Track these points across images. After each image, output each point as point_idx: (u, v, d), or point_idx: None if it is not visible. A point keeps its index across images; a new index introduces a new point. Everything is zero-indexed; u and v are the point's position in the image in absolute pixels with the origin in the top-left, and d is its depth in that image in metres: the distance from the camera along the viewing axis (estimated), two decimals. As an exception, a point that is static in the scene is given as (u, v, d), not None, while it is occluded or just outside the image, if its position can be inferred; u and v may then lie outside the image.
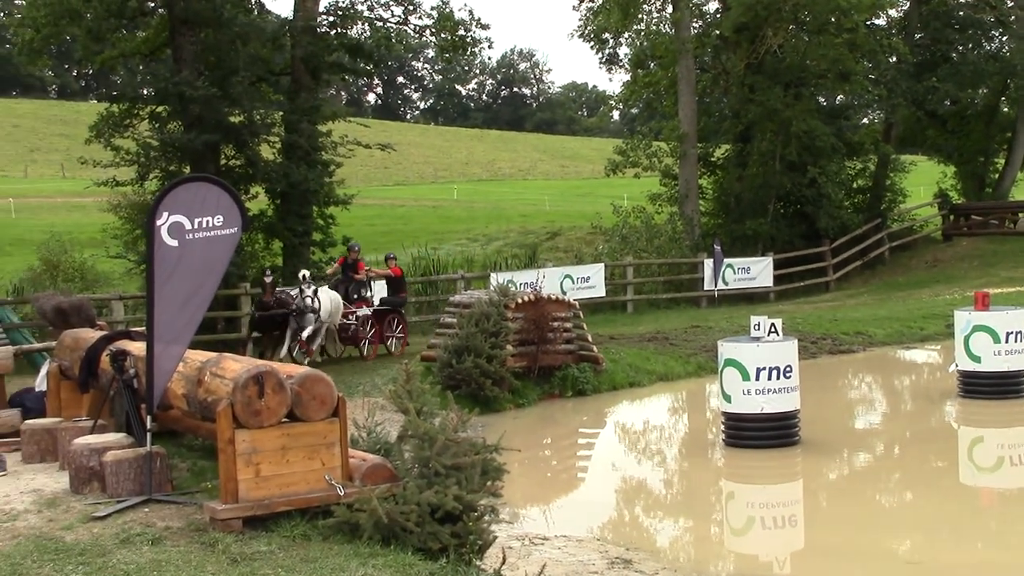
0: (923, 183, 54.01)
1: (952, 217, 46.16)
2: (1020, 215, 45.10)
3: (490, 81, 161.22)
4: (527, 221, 50.32)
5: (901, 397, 21.74)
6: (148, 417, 10.40)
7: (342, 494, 9.33)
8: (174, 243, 10.00)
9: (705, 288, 35.77)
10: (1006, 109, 48.80)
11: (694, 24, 42.37)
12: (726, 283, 36.08)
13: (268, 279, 21.67)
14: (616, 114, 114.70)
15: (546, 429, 18.77)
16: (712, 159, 43.61)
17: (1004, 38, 46.48)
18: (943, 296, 33.32)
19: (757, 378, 15.57)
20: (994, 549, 11.16)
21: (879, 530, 11.88)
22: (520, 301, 20.66)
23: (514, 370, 20.07)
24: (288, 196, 28.42)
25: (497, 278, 27.61)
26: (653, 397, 21.59)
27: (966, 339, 18.90)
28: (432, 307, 29.84)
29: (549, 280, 28.97)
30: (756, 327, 16.04)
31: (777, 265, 38.21)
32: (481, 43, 40.15)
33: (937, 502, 13.01)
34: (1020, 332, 19.01)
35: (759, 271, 37.22)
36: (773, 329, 15.89)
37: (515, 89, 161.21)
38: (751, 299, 37.12)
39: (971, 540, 11.48)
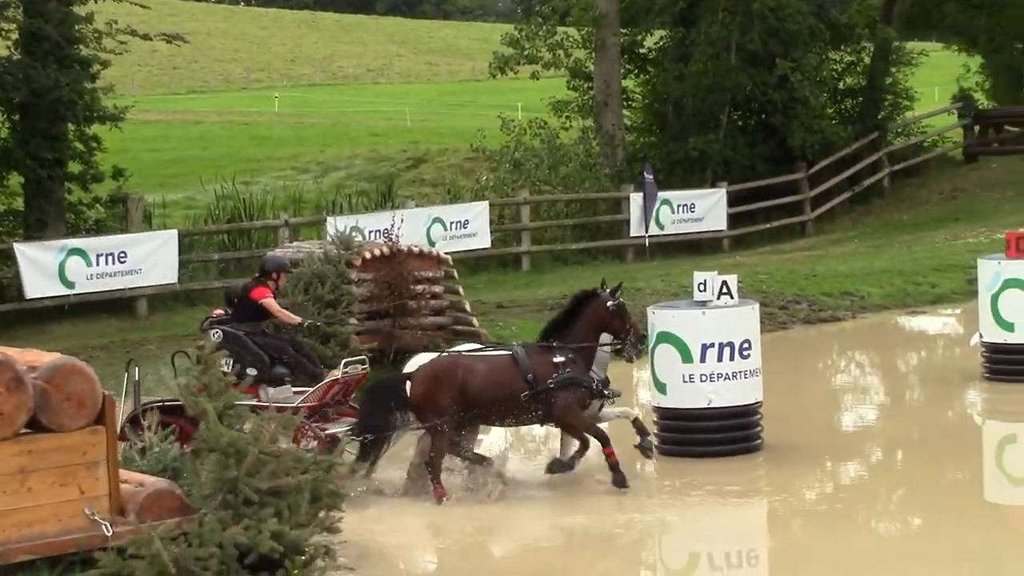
0: (938, 82, 54.87)
1: (978, 129, 47.02)
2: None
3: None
4: (379, 143, 50.10)
5: (905, 382, 22.22)
6: None
7: (110, 534, 9.30)
8: None
9: (632, 234, 36.01)
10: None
11: None
12: (661, 226, 36.36)
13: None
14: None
15: (406, 435, 18.80)
16: (642, 51, 43.77)
17: None
18: (964, 240, 34.00)
19: (703, 359, 15.79)
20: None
21: (876, 571, 12.17)
22: (369, 256, 20.62)
23: (361, 354, 20.08)
24: (31, 109, 27.99)
25: (336, 224, 27.50)
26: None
27: (994, 299, 19.38)
28: (243, 266, 29.66)
29: (411, 226, 28.95)
30: (701, 287, 16.25)
31: (733, 200, 38.58)
32: None
33: (955, 529, 13.34)
34: (1067, 288, 19.53)
35: (708, 209, 37.56)
36: (725, 289, 16.12)
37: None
38: (697, 248, 37.44)
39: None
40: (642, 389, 19.36)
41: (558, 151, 39.20)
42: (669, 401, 16.05)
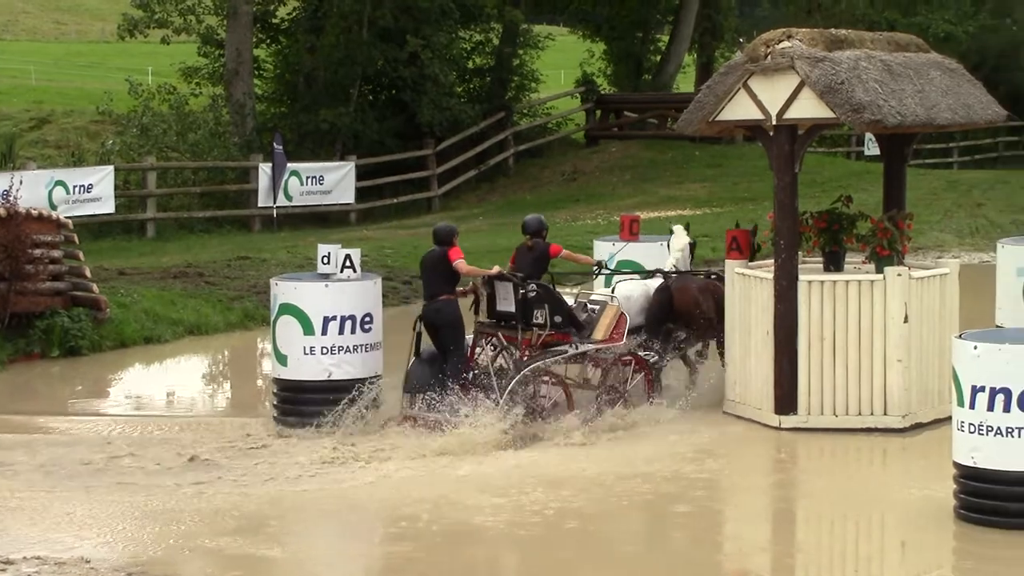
0: (564, 66, 55.99)
1: (599, 113, 48.19)
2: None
3: None
4: (2, 101, 48.71)
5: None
6: None
7: None
8: None
9: (260, 204, 35.82)
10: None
11: None
12: (289, 197, 36.23)
13: None
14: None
15: (19, 403, 18.40)
16: (274, 21, 43.52)
17: None
18: (583, 221, 34.82)
19: (324, 331, 15.83)
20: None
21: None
22: (-15, 218, 20.13)
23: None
24: None
25: (-48, 184, 26.64)
26: (180, 357, 21.57)
27: (607, 280, 19.89)
28: None
29: (31, 188, 28.21)
30: (325, 260, 16.27)
31: (362, 174, 38.71)
32: None
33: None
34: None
35: (337, 181, 37.60)
36: (349, 263, 16.17)
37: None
38: (325, 220, 37.47)
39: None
40: (267, 360, 19.27)
41: (187, 118, 38.82)
42: (289, 373, 16.04)
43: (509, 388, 15.36)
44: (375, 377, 16.16)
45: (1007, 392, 11.83)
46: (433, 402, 15.41)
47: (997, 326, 18.22)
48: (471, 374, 15.73)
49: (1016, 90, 51.91)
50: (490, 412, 15.21)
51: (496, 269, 16.23)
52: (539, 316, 15.73)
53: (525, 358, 15.63)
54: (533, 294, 15.74)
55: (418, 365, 15.84)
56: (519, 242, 16.68)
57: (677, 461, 14.68)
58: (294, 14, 43.34)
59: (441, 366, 15.67)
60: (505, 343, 15.93)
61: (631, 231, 19.99)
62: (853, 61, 15.47)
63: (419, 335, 16.03)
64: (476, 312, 16.27)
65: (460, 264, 15.70)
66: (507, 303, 15.95)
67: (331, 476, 14.21)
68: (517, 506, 13.11)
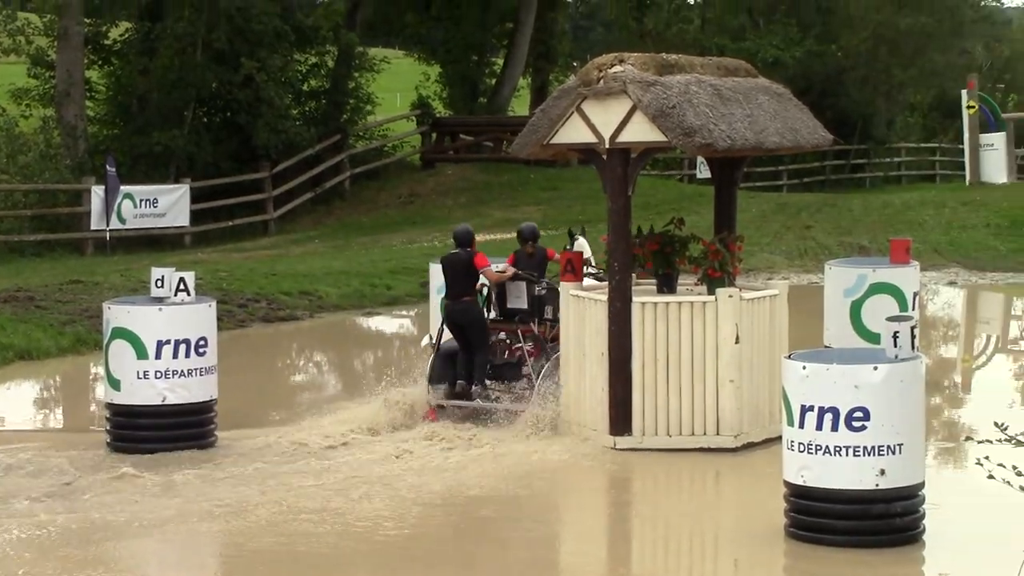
0: (400, 88, 56.05)
1: (435, 136, 48.32)
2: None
3: None
4: None
5: (362, 379, 22.58)
6: None
7: None
8: None
9: (93, 227, 35.43)
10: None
11: None
12: (123, 220, 35.90)
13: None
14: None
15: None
16: (107, 43, 43.08)
17: None
18: (419, 243, 34.87)
19: (158, 356, 15.65)
20: None
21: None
22: None
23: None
24: None
25: None
26: (10, 383, 21.20)
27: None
28: None
29: None
30: (159, 283, 16.11)
31: (197, 196, 38.47)
32: None
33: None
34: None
35: (171, 204, 37.32)
36: (183, 286, 16.04)
37: None
38: (159, 244, 37.13)
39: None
40: (100, 385, 18.98)
41: (17, 139, 38.35)
42: (122, 398, 15.81)
43: (542, 372, 16.54)
44: (211, 401, 16.06)
45: (835, 411, 11.98)
46: (465, 392, 16.73)
47: (825, 346, 18.49)
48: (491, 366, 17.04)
49: (841, 115, 53.13)
50: (526, 395, 16.52)
51: (512, 271, 17.22)
52: (548, 312, 17.02)
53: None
54: (544, 292, 17.04)
55: (440, 359, 17.08)
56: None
57: (512, 481, 14.68)
58: (127, 36, 42.95)
59: (463, 360, 16.82)
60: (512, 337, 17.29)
61: (467, 253, 20.06)
62: (684, 85, 15.62)
63: (441, 330, 17.24)
64: (488, 310, 17.25)
65: (488, 272, 16.92)
66: (519, 300, 17.15)
67: (166, 502, 14.03)
68: (352, 529, 13.04)
